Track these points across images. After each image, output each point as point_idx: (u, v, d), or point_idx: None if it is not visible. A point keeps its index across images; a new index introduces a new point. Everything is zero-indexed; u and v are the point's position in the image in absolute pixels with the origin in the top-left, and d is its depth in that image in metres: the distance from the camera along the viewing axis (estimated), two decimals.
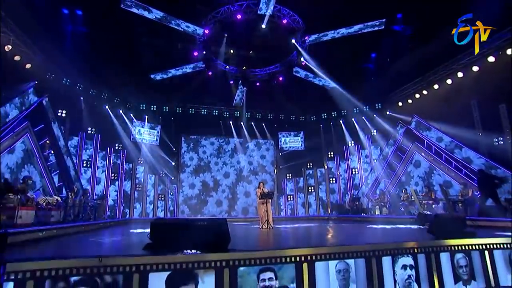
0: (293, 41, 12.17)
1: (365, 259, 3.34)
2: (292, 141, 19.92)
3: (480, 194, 9.97)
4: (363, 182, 16.64)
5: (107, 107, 15.72)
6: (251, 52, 13.93)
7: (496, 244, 3.88)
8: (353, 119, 18.38)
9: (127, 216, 14.91)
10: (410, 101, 15.46)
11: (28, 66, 11.28)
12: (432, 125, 13.74)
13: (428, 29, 13.05)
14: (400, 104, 16.01)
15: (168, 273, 2.82)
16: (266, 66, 14.99)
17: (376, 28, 12.53)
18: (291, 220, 15.45)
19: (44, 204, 7.84)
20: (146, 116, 17.41)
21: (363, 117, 17.97)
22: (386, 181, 15.73)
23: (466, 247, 3.78)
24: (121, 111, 16.42)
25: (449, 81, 13.31)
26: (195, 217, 16.30)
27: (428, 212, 11.78)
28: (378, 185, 15.71)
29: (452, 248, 3.72)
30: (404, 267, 3.50)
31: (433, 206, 12.15)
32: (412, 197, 12.40)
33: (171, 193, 16.76)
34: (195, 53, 13.14)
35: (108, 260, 2.75)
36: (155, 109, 17.75)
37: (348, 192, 16.98)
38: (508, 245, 3.90)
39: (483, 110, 12.28)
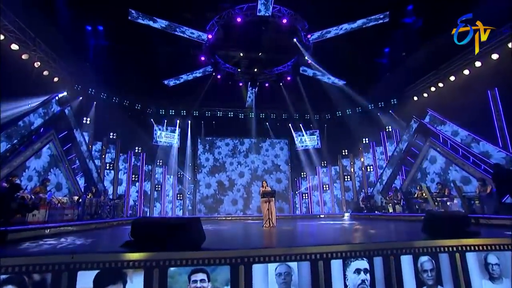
0: (295, 40, 11.77)
1: (310, 262, 3.03)
2: (308, 140, 19.38)
3: (496, 190, 8.91)
4: (377, 179, 15.72)
5: (129, 113, 16.37)
6: (256, 53, 13.72)
7: (469, 246, 3.35)
8: (367, 116, 17.52)
9: (147, 214, 15.38)
10: (425, 95, 14.44)
11: (56, 79, 12.09)
12: (447, 119, 12.63)
13: (440, 19, 12.05)
14: (415, 98, 14.99)
15: (96, 272, 2.75)
16: (272, 67, 14.69)
17: (381, 21, 11.76)
18: (306, 219, 14.94)
19: (59, 204, 8.26)
20: (165, 120, 17.88)
21: (378, 113, 17.08)
22: (400, 178, 14.75)
23: (433, 249, 3.30)
24: (142, 117, 17.05)
25: (466, 72, 12.19)
26: (211, 216, 16.43)
27: (442, 210, 10.84)
28: (392, 182, 14.75)
29: (416, 250, 3.27)
30: (358, 271, 3.12)
31: (448, 203, 11.15)
32: (425, 194, 11.47)
33: (189, 193, 17.05)
34: (202, 58, 13.22)
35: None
36: (173, 113, 18.18)
37: (363, 190, 16.14)
38: (484, 247, 3.36)
39: (504, 100, 11.03)
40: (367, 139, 17.10)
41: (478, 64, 11.56)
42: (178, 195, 16.90)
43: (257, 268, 2.94)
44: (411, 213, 11.87)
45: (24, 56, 10.42)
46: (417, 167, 13.88)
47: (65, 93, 11.96)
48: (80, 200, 9.43)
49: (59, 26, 11.97)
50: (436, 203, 11.25)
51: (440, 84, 13.45)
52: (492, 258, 3.38)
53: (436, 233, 4.56)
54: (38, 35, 11.11)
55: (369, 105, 17.58)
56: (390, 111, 16.63)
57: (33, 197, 6.87)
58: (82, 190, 11.88)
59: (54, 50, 11.97)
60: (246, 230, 8.35)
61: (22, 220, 6.60)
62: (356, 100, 17.57)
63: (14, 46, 9.98)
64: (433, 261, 3.27)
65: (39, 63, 11.05)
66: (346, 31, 12.01)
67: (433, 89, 13.86)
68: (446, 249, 3.31)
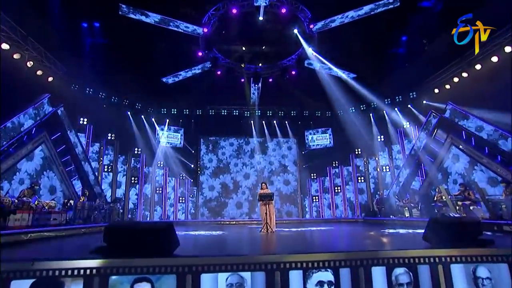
0: (295, 31, 11.55)
1: (266, 272, 2.91)
2: (320, 138, 19.10)
3: None
4: (394, 180, 15.23)
5: (128, 113, 16.67)
6: (256, 47, 13.62)
7: (454, 256, 3.12)
8: (384, 112, 17.02)
9: (148, 218, 15.64)
10: (448, 86, 13.80)
11: (50, 79, 12.47)
12: (470, 113, 12.04)
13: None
14: (436, 91, 14.38)
15: (32, 280, 2.76)
16: (275, 61, 14.53)
17: (391, 6, 11.32)
18: (313, 223, 14.67)
19: (47, 207, 8.52)
20: (168, 120, 18.10)
21: (396, 109, 16.53)
22: (420, 179, 14.21)
23: (411, 260, 3.09)
24: (142, 116, 17.33)
25: (494, 59, 11.52)
26: (214, 220, 16.50)
27: (463, 215, 10.33)
28: (410, 183, 14.24)
29: (391, 261, 3.07)
30: (320, 283, 2.97)
31: (471, 207, 10.59)
32: (444, 197, 10.96)
33: (191, 196, 17.19)
34: (199, 53, 13.26)
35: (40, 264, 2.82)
36: (175, 112, 18.37)
37: (379, 192, 15.68)
38: (473, 258, 3.11)
39: None
40: (382, 136, 16.61)
41: (508, 49, 10.92)
42: (180, 198, 17.07)
43: (205, 278, 2.87)
44: (430, 218, 11.40)
45: (15, 56, 10.79)
46: (437, 167, 13.32)
47: (58, 93, 12.32)
48: (71, 203, 9.67)
49: (54, 24, 12.28)
50: (458, 207, 10.74)
51: (464, 74, 12.84)
52: (482, 271, 3.13)
53: (439, 242, 4.30)
54: (32, 34, 11.45)
55: (385, 100, 17.05)
56: (409, 105, 16.07)
57: (16, 201, 7.10)
58: (80, 194, 12.20)
59: (48, 49, 12.30)
60: (235, 235, 8.31)
61: (2, 226, 6.83)
62: (370, 94, 17.12)
63: (5, 46, 10.35)
64: (411, 274, 3.06)
65: (31, 63, 11.43)
66: (353, 19, 11.66)
67: (456, 79, 13.26)
68: (427, 260, 3.09)
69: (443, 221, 4.91)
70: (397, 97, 16.69)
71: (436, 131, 13.32)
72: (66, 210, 9.25)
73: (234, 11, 10.80)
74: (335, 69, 14.67)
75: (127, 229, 5.23)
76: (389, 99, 16.98)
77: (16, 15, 10.66)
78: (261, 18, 11.04)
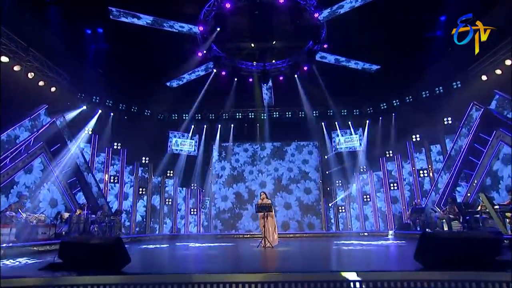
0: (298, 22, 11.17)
1: None
2: (349, 140, 18.32)
3: None
4: (432, 187, 14.01)
5: (138, 121, 17.31)
6: (259, 43, 13.40)
7: (410, 281, 2.66)
8: (420, 106, 15.84)
9: (157, 231, 16.01)
10: (499, 71, 12.48)
11: (53, 89, 13.35)
12: None
13: None
14: (484, 78, 13.06)
15: None
16: (282, 57, 14.21)
17: None
18: (337, 237, 13.95)
19: (35, 221, 9.06)
20: (180, 126, 18.50)
21: (435, 102, 15.32)
22: (466, 185, 12.89)
23: (350, 284, 2.69)
24: (152, 123, 17.93)
25: None
26: (228, 233, 16.44)
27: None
28: (452, 191, 12.97)
29: (319, 285, 2.70)
30: None
31: None
32: (487, 207, 9.80)
33: (203, 207, 17.32)
34: (199, 53, 13.39)
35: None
36: (186, 117, 18.72)
37: (415, 201, 14.53)
38: (432, 283, 2.63)
39: None
40: (418, 135, 15.46)
41: None
42: (192, 210, 17.29)
43: None
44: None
45: (16, 68, 11.65)
46: (484, 171, 11.98)
47: (61, 103, 13.17)
48: (64, 217, 10.18)
49: (56, 32, 13.07)
50: (509, 220, 9.55)
51: None
52: None
53: (434, 263, 3.84)
54: (32, 44, 12.26)
55: (423, 92, 15.90)
56: (453, 96, 14.78)
57: None
58: (81, 206, 12.83)
59: (51, 59, 13.12)
60: (216, 251, 8.18)
61: None
62: (404, 87, 16.08)
63: (4, 59, 11.22)
64: None
65: (32, 74, 12.29)
66: (365, 2, 10.97)
67: (508, 62, 11.95)
68: (379, 284, 2.67)
69: (437, 237, 4.35)
70: (436, 89, 15.49)
71: (480, 126, 12.05)
72: (57, 223, 9.75)
73: (228, 5, 10.73)
74: (353, 61, 13.95)
75: (79, 244, 5.37)
76: (427, 92, 15.82)
77: (16, 25, 11.49)
78: (256, 12, 10.82)
